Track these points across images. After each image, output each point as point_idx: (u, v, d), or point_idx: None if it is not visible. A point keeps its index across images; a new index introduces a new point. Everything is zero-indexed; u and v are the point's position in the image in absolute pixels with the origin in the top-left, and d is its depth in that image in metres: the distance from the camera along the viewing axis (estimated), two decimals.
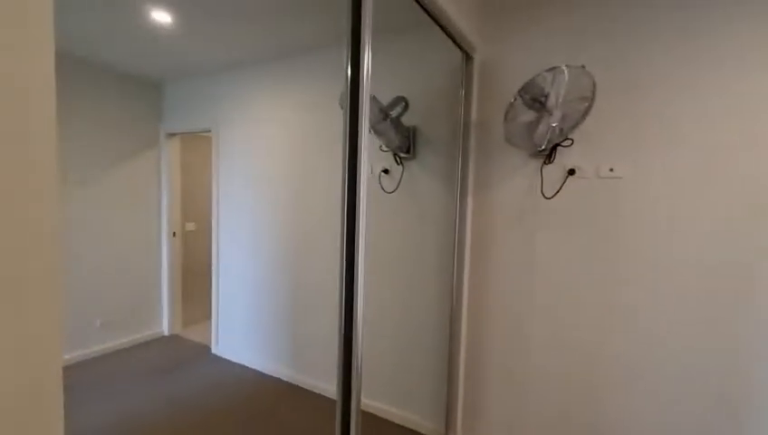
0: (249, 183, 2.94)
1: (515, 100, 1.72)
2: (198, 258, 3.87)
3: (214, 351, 3.24)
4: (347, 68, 1.14)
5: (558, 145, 1.79)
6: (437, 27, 1.66)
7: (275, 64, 2.71)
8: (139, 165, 3.37)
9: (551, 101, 1.59)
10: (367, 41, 1.13)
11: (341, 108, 1.17)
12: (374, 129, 2.03)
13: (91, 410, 2.33)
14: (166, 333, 3.59)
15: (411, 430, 2.24)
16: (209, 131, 3.19)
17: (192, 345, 3.40)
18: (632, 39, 1.66)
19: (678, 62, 1.58)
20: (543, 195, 1.84)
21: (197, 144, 3.84)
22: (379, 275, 2.34)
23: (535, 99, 1.65)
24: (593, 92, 1.58)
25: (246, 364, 3.03)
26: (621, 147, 1.70)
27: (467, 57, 1.95)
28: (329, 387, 2.60)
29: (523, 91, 1.67)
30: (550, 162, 1.84)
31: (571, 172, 1.80)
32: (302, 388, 2.70)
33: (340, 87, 1.16)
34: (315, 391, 2.66)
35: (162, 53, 2.68)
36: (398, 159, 2.22)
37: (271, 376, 2.86)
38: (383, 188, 2.27)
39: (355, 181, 1.14)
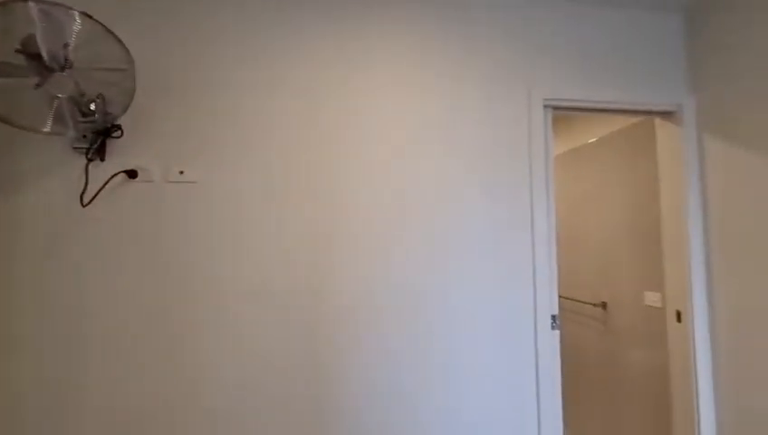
0: None
1: None
2: None
3: None
4: None
5: (106, 136, 1.27)
6: None
7: None
8: None
9: (51, 58, 1.04)
10: None
11: None
12: None
13: None
14: None
15: None
16: None
17: None
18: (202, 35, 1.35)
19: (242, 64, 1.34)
20: (82, 203, 1.26)
21: None
22: None
23: (29, 53, 1.07)
24: (130, 65, 1.14)
25: None
26: (194, 147, 1.33)
27: None
28: None
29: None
30: (101, 160, 1.30)
31: (133, 175, 1.31)
32: None
33: None
34: None
35: None
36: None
37: None
38: None
39: None
